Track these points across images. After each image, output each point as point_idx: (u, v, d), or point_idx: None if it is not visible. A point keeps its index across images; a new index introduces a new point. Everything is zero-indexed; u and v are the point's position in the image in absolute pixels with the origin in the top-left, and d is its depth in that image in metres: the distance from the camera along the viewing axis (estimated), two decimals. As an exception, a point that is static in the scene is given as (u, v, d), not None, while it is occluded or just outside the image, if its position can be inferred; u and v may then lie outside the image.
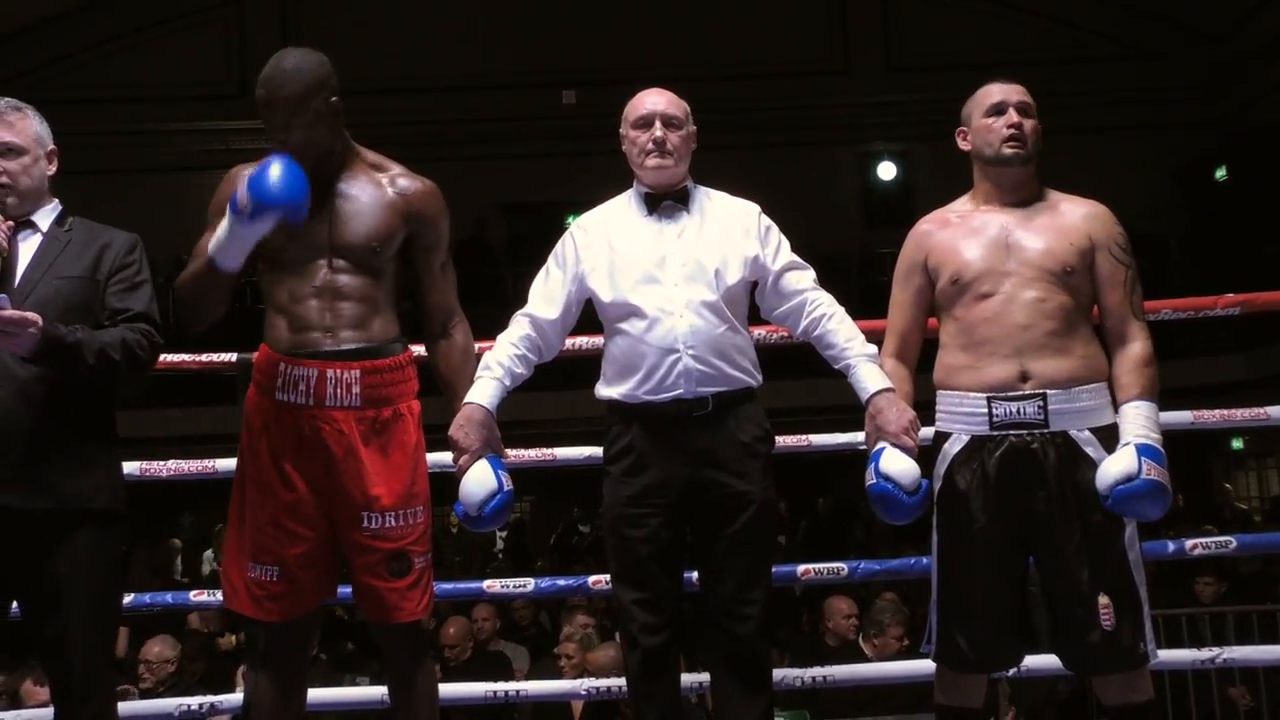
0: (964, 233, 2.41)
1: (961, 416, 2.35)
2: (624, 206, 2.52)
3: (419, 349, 2.51)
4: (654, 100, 2.48)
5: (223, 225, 2.22)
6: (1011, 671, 2.57)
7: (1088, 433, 2.29)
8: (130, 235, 2.36)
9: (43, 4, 11.95)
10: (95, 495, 2.23)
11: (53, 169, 2.36)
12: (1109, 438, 2.28)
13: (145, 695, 4.18)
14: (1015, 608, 2.33)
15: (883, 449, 2.32)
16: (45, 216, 2.33)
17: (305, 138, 2.30)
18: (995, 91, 2.42)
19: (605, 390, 2.46)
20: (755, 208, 2.53)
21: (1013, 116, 2.38)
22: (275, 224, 2.20)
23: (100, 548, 2.23)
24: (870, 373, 2.38)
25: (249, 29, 12.81)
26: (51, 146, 2.36)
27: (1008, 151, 2.38)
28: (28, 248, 2.28)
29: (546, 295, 2.50)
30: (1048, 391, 2.28)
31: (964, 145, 2.47)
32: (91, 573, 2.20)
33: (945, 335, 2.43)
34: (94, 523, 2.23)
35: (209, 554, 9.52)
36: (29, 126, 2.32)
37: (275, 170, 2.16)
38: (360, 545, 2.31)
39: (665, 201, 2.47)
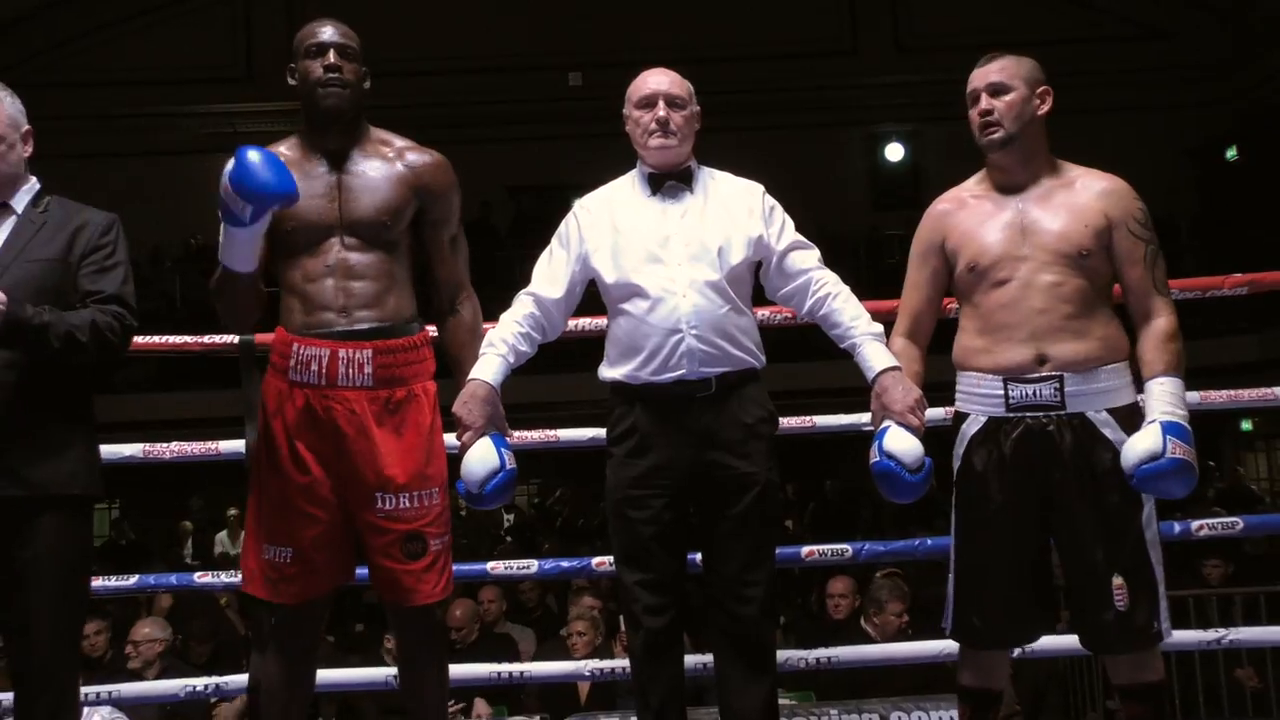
0: (980, 216, 2.38)
1: (979, 398, 2.35)
2: (628, 187, 2.51)
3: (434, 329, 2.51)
4: (657, 80, 2.46)
5: (222, 232, 2.21)
6: (1017, 651, 2.57)
7: (1105, 414, 2.27)
8: (108, 215, 2.33)
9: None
10: (70, 481, 2.21)
11: (28, 150, 2.32)
12: (1128, 418, 2.27)
13: (133, 676, 4.18)
14: (1031, 586, 2.33)
15: (887, 427, 2.31)
16: (21, 198, 2.29)
17: (357, 88, 2.35)
18: (972, 79, 2.40)
19: (608, 371, 2.45)
20: (759, 187, 2.51)
21: (983, 102, 2.35)
22: (272, 212, 2.18)
23: (68, 532, 2.20)
24: (876, 351, 2.37)
25: (255, 12, 12.80)
26: (26, 127, 2.32)
27: (984, 140, 2.36)
28: (1, 231, 2.25)
29: (550, 275, 2.49)
30: (1064, 374, 2.27)
31: None
32: (57, 557, 2.17)
33: (964, 318, 2.42)
34: (64, 507, 2.20)
35: (222, 535, 9.56)
36: (2, 111, 2.27)
37: (254, 159, 2.13)
38: (374, 526, 2.30)
39: (669, 182, 2.46)
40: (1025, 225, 2.33)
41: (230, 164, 2.14)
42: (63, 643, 2.20)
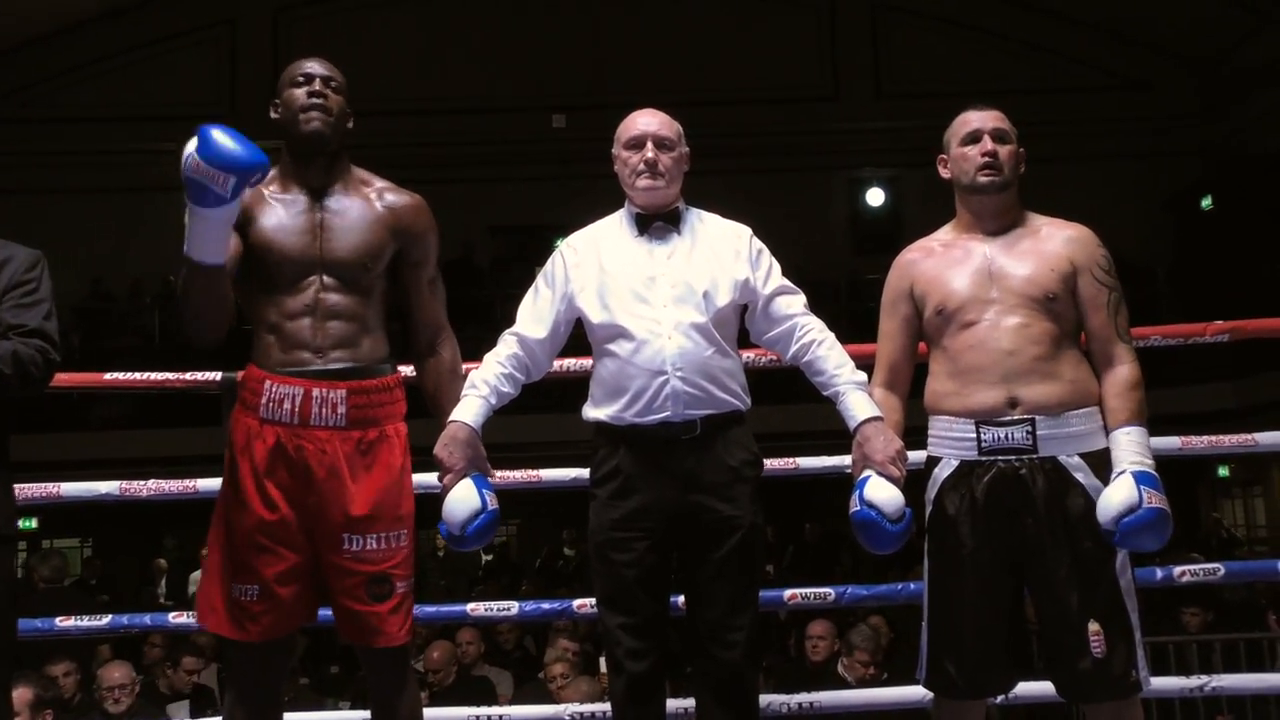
0: (947, 262, 2.41)
1: (950, 441, 2.35)
2: (615, 226, 2.51)
3: (406, 369, 2.49)
4: (646, 121, 2.47)
5: (190, 222, 2.13)
6: (1000, 698, 2.55)
7: (1077, 458, 2.28)
8: (32, 252, 2.28)
9: (35, 23, 11.96)
10: None
11: None
12: (1099, 463, 2.27)
13: (106, 718, 4.14)
14: (1005, 633, 2.32)
15: (868, 477, 2.31)
16: None
17: (339, 120, 2.35)
18: (971, 119, 2.41)
19: (592, 412, 2.44)
20: (747, 230, 2.51)
21: (987, 144, 2.37)
22: (245, 189, 2.09)
23: None
24: (859, 401, 2.37)
25: (240, 50, 12.85)
26: None
27: (983, 180, 2.38)
28: None
29: (535, 315, 2.48)
30: (1036, 417, 2.27)
31: (945, 173, 2.47)
32: None
33: (933, 363, 2.43)
34: None
35: (196, 575, 9.46)
36: None
37: (221, 133, 2.06)
38: (340, 568, 2.27)
39: (656, 223, 2.46)
40: (993, 271, 2.35)
41: (194, 142, 2.05)
42: None
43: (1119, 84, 12.94)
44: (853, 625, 4.94)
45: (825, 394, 2.43)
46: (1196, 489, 12.32)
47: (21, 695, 3.80)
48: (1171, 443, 3.01)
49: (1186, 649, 4.98)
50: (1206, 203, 12.47)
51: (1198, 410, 9.31)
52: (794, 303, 2.48)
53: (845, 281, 11.57)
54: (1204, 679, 3.04)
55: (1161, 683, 3.06)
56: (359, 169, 2.44)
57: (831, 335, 2.46)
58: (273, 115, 2.39)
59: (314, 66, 2.38)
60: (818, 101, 13.06)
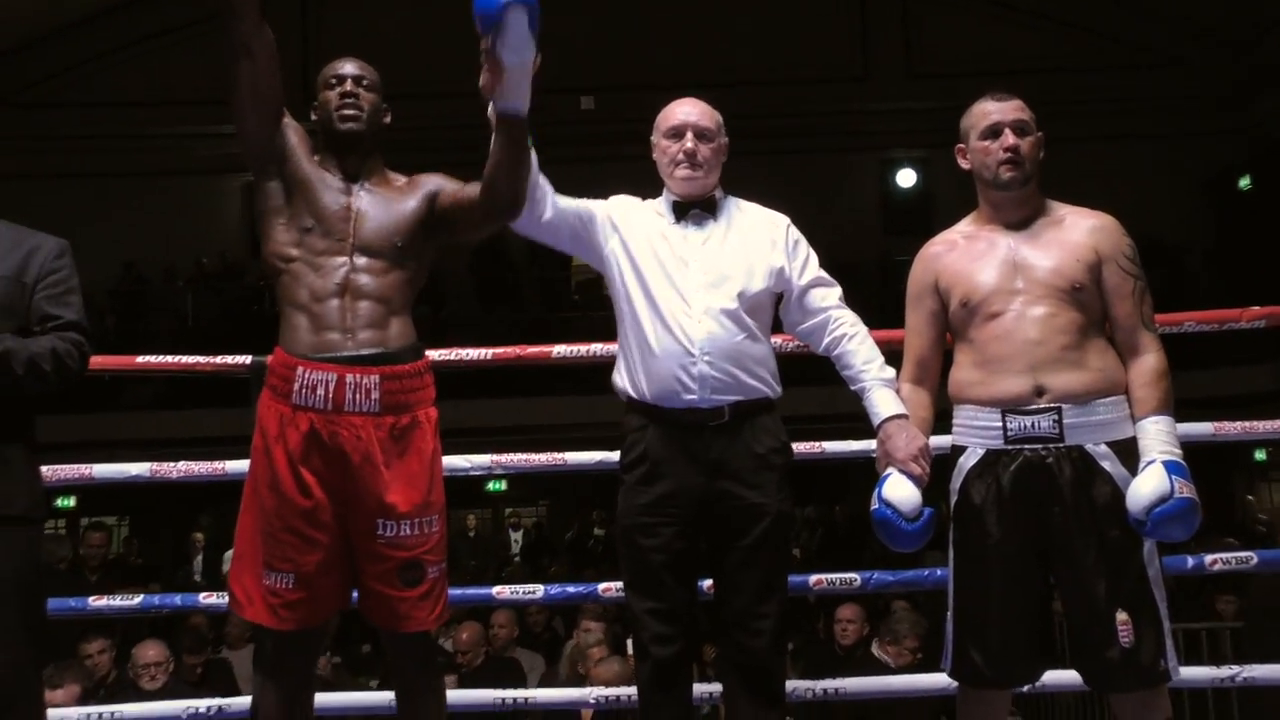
0: (971, 255, 2.38)
1: (976, 430, 2.33)
2: (653, 209, 2.53)
3: (435, 354, 2.50)
4: (686, 111, 2.47)
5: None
6: (1027, 688, 2.53)
7: (1104, 447, 2.26)
8: (59, 240, 2.31)
9: (67, 9, 12.05)
10: (11, 501, 2.17)
11: None
12: (1126, 452, 2.25)
13: (151, 696, 4.20)
14: (1032, 623, 2.30)
15: (889, 475, 2.31)
16: None
17: (374, 116, 2.40)
18: (991, 111, 2.38)
19: (622, 382, 2.45)
20: (785, 220, 2.52)
21: (1008, 139, 2.34)
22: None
23: (16, 552, 2.16)
24: (884, 398, 2.37)
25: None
26: None
27: (1005, 176, 2.35)
28: None
29: (569, 198, 2.52)
30: (1063, 406, 2.25)
31: (964, 164, 2.44)
32: (8, 578, 2.13)
33: (958, 353, 2.41)
34: (8, 527, 2.16)
35: (230, 554, 9.53)
36: None
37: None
38: (374, 553, 2.28)
39: (693, 209, 2.47)
40: (1018, 262, 2.33)
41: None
42: (24, 663, 2.16)
43: (1154, 63, 12.75)
44: (885, 609, 4.91)
45: (852, 389, 2.43)
46: (1232, 473, 12.18)
47: (70, 692, 3.85)
48: (1204, 429, 2.96)
49: (1219, 636, 4.93)
50: (1245, 183, 12.30)
51: (1233, 393, 9.18)
52: (829, 295, 2.48)
53: (876, 263, 11.51)
54: (1235, 669, 2.99)
55: (1191, 672, 3.02)
56: (391, 172, 2.47)
57: (864, 329, 2.46)
58: (312, 116, 2.44)
59: (346, 67, 2.43)
60: (848, 82, 12.95)
